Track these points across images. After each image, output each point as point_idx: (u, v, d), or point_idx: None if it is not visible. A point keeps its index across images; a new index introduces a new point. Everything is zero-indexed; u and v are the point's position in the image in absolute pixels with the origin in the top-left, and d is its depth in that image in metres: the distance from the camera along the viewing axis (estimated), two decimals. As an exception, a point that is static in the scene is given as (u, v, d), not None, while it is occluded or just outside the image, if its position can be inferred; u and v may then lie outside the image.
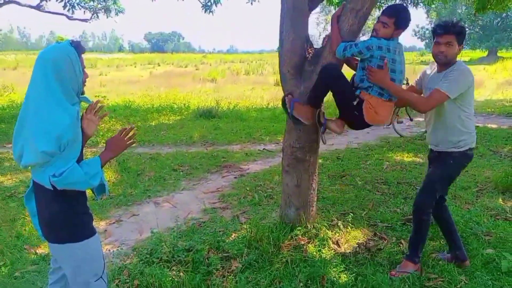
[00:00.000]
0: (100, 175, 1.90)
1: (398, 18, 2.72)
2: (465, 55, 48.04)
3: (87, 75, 1.94)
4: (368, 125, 3.00)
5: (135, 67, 33.27)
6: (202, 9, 11.99)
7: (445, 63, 2.77)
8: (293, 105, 3.12)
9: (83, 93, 1.95)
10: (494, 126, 8.85)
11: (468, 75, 2.73)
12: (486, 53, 42.54)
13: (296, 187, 3.51)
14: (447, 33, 2.70)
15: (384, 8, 2.80)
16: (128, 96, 13.53)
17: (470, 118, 2.85)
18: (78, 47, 1.86)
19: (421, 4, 12.02)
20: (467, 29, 47.85)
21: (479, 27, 42.86)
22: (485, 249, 3.29)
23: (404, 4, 11.87)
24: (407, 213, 4.02)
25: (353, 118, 3.00)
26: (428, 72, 3.02)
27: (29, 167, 1.87)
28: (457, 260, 3.08)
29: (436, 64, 2.90)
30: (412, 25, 3.20)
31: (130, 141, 2.06)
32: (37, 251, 3.39)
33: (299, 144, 3.40)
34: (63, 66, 1.80)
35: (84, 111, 1.97)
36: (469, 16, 37.23)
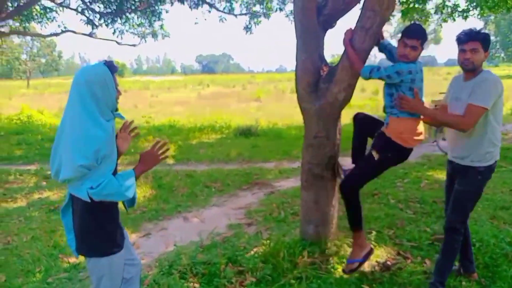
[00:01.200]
0: (134, 187, 2.00)
1: (424, 38, 2.76)
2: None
3: (120, 93, 2.07)
4: (405, 155, 2.96)
5: (185, 88, 34.49)
6: (244, 30, 12.52)
7: (472, 69, 2.73)
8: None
9: (117, 109, 2.08)
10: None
11: (498, 83, 2.69)
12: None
13: (314, 203, 3.51)
14: (472, 40, 2.68)
15: (405, 31, 2.76)
16: (175, 116, 14.07)
17: (498, 130, 2.79)
18: (111, 66, 1.99)
19: (475, 16, 11.53)
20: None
21: (541, 38, 40.32)
22: (515, 271, 3.11)
23: (450, 19, 11.49)
24: (438, 232, 3.86)
25: (390, 160, 3.00)
26: (454, 84, 2.99)
27: (67, 182, 1.96)
28: (466, 271, 3.10)
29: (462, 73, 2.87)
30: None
31: (163, 155, 2.16)
32: (70, 260, 3.64)
33: (316, 161, 3.42)
34: (97, 85, 1.91)
35: (119, 129, 2.13)
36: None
